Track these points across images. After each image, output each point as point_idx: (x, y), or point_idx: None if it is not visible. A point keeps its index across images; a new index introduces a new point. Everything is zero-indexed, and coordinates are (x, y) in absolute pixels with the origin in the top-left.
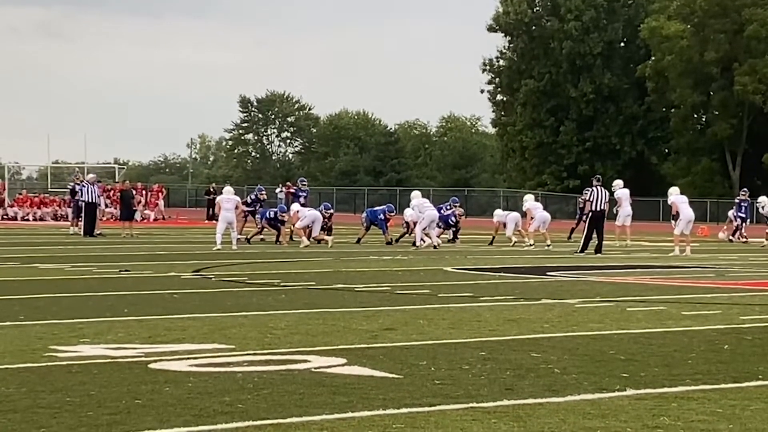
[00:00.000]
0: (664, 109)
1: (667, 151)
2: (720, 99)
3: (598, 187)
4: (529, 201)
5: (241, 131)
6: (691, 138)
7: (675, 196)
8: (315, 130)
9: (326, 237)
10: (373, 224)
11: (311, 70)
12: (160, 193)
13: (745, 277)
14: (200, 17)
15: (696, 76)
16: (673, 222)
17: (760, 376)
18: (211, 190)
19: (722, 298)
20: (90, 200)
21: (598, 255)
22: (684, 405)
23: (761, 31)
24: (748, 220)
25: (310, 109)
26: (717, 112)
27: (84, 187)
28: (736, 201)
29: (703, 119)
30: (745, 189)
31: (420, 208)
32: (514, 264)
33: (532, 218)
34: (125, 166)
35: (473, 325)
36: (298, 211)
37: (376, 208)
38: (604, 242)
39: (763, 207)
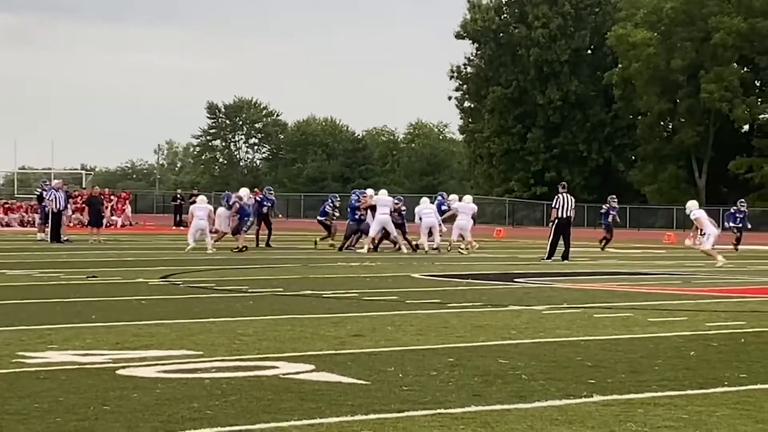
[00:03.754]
0: (630, 117)
1: (633, 158)
2: (686, 106)
3: (565, 194)
4: (456, 201)
5: (208, 137)
6: (658, 145)
7: (697, 211)
8: (283, 137)
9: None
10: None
11: (279, 76)
12: (127, 200)
13: (711, 284)
14: (168, 23)
15: (663, 83)
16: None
17: (725, 383)
18: (179, 196)
19: (688, 304)
20: (56, 207)
21: (565, 262)
22: (650, 411)
23: (727, 39)
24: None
25: (277, 116)
26: (683, 120)
27: (49, 192)
28: (732, 211)
29: (670, 127)
30: (743, 200)
31: (420, 214)
32: (482, 271)
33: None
34: (92, 172)
35: (441, 331)
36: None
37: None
38: (570, 249)
39: (690, 212)
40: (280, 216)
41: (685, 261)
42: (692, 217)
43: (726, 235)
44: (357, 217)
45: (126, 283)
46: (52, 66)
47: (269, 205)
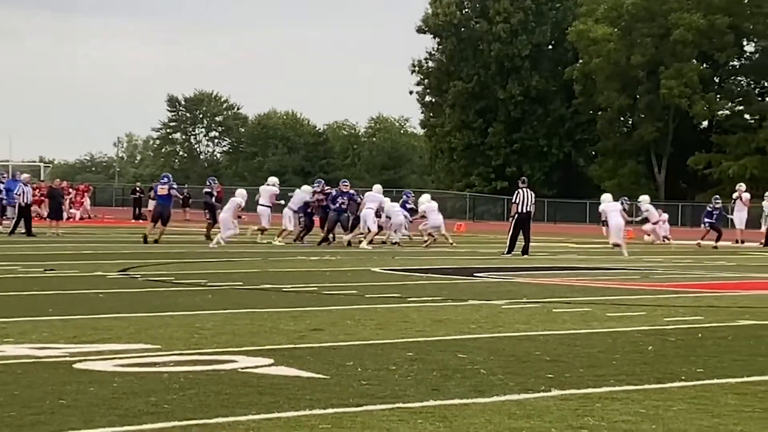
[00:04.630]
0: (591, 112)
1: (593, 153)
2: (646, 102)
3: (525, 189)
4: (425, 203)
5: (168, 130)
6: (618, 140)
7: (605, 204)
8: (243, 130)
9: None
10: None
11: (240, 69)
12: (86, 192)
13: (670, 279)
14: (130, 15)
15: (623, 79)
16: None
17: (683, 377)
18: (138, 189)
19: (647, 299)
20: (24, 201)
21: (525, 256)
22: (608, 405)
23: (687, 35)
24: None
25: (238, 109)
26: (643, 116)
27: (18, 186)
28: (708, 208)
29: (630, 122)
30: (717, 196)
31: (389, 213)
32: (442, 265)
33: (423, 218)
34: (51, 165)
35: (400, 325)
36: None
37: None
38: (530, 244)
39: (643, 206)
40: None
41: (643, 256)
42: (643, 208)
43: (701, 232)
44: (338, 207)
45: (84, 277)
46: (8, 57)
47: (215, 195)
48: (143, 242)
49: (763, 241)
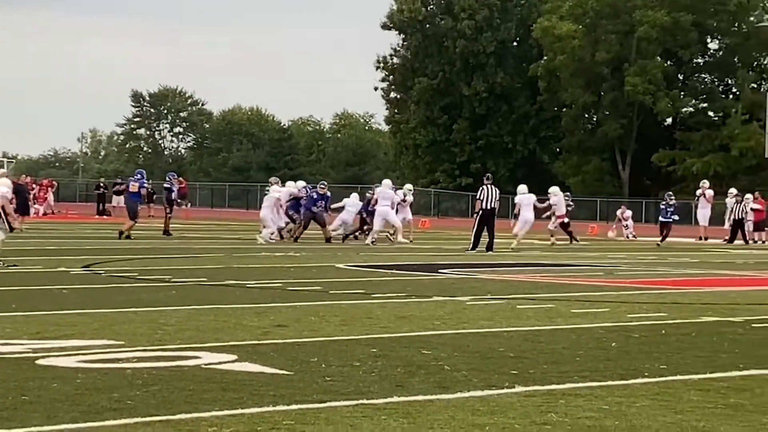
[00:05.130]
0: (555, 109)
1: (558, 150)
2: (611, 99)
3: (489, 186)
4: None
5: (133, 126)
6: (582, 137)
7: (520, 196)
8: (208, 126)
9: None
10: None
11: (205, 65)
12: (49, 188)
13: (633, 276)
14: (93, 11)
15: (587, 76)
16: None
17: (646, 374)
18: (101, 185)
19: (611, 296)
20: None
21: (489, 253)
22: (571, 402)
23: (651, 32)
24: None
25: (203, 105)
26: (608, 112)
27: None
28: (662, 206)
29: (594, 119)
30: (670, 193)
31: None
32: (406, 261)
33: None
34: (14, 160)
35: (364, 322)
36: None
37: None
38: (495, 240)
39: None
40: (187, 205)
41: (608, 252)
42: (551, 201)
43: (655, 229)
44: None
45: (47, 272)
46: None
47: (174, 191)
48: (118, 237)
49: (727, 237)
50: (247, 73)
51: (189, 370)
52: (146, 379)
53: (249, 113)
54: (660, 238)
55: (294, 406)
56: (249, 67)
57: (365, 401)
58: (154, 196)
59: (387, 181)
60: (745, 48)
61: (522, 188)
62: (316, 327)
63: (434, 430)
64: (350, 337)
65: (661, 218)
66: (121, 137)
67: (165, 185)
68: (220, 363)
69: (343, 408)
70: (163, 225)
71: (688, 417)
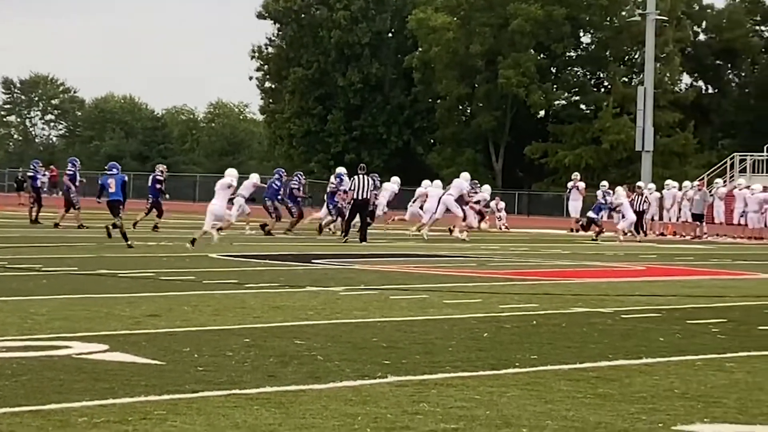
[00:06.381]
0: (430, 100)
1: (432, 141)
2: (484, 91)
3: (362, 176)
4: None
5: (3, 113)
6: (456, 129)
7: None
8: (80, 114)
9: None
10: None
11: (77, 52)
12: None
13: (506, 267)
14: None
15: (462, 68)
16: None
17: (517, 364)
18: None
19: (483, 287)
20: None
21: (363, 243)
22: (443, 392)
23: (525, 25)
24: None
25: (75, 92)
26: (481, 104)
27: None
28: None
29: (468, 111)
30: (605, 184)
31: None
32: (280, 251)
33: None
34: None
35: (238, 312)
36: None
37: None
38: (368, 230)
39: (480, 194)
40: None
41: (480, 244)
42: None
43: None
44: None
45: None
46: None
47: (39, 178)
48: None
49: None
50: (121, 61)
51: (59, 360)
52: (15, 369)
53: (122, 101)
54: (595, 234)
55: (166, 396)
56: (122, 55)
57: (238, 391)
58: (25, 185)
59: (465, 174)
60: (617, 42)
61: (437, 183)
62: (188, 317)
63: (306, 419)
64: (223, 327)
65: (593, 215)
66: None
67: (28, 173)
68: (91, 353)
69: (215, 398)
70: (27, 213)
71: (557, 406)
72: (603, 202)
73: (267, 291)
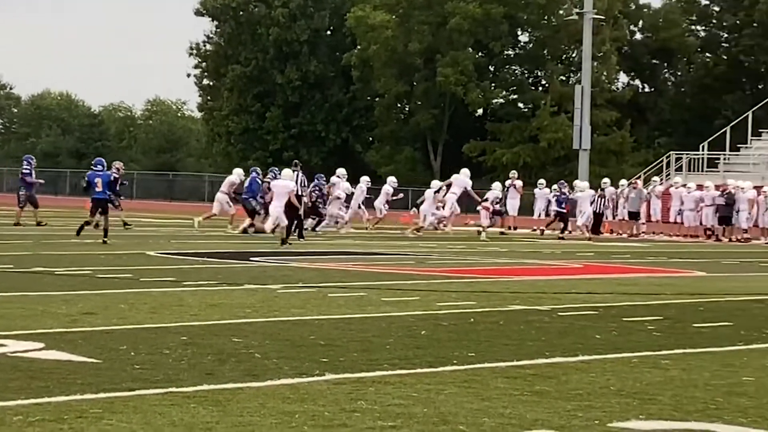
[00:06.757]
0: (368, 98)
1: (371, 139)
2: (423, 89)
3: (297, 173)
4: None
5: None
6: (395, 127)
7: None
8: (16, 110)
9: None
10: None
11: (13, 48)
12: None
13: (444, 265)
14: None
15: (400, 66)
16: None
17: (454, 361)
18: None
19: (421, 284)
20: None
21: (302, 241)
22: (381, 389)
23: (463, 24)
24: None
25: (11, 89)
26: (420, 102)
27: None
28: (555, 195)
29: (407, 109)
30: (563, 181)
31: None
32: (218, 249)
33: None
34: None
35: (175, 309)
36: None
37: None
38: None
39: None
40: None
41: (419, 242)
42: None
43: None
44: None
45: None
46: None
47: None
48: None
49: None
50: (57, 57)
51: None
52: None
53: (59, 98)
54: (560, 231)
55: (102, 395)
56: (59, 51)
57: (175, 389)
58: None
59: (466, 171)
60: (555, 41)
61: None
62: (125, 314)
63: (244, 417)
64: (160, 324)
65: (557, 208)
66: None
67: None
68: (26, 351)
69: (152, 396)
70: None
71: (494, 404)
72: (565, 194)
73: (205, 289)
